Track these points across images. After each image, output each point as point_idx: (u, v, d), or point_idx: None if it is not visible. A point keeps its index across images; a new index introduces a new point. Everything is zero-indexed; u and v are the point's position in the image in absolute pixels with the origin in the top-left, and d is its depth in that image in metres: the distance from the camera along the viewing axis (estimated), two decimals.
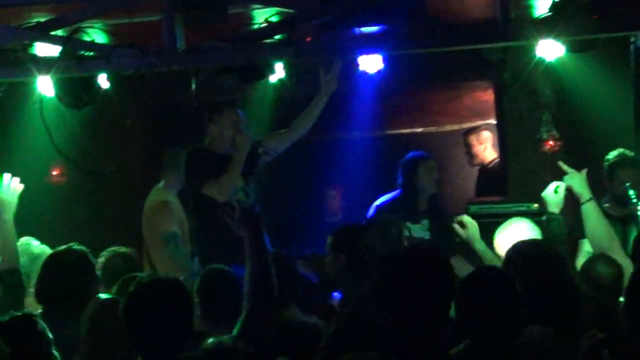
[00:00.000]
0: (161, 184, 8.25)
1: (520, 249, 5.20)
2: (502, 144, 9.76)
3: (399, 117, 10.89)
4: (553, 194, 6.88)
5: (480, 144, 9.95)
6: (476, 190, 9.96)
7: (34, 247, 6.78)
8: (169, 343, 4.24)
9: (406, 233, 8.02)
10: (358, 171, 10.07)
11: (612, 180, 7.26)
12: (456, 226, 7.09)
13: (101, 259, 6.42)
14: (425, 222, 8.27)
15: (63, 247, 5.89)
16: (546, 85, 9.10)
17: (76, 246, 5.86)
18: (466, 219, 7.12)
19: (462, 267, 7.06)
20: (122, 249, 6.63)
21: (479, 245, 6.90)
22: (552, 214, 6.82)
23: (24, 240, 6.77)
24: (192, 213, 7.70)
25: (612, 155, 7.34)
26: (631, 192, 7.04)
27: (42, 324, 4.67)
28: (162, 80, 7.79)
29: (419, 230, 8.25)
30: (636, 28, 6.21)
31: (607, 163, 7.34)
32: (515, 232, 6.82)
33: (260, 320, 4.79)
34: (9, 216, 6.44)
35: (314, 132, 8.35)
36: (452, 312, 4.27)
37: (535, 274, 4.89)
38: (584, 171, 6.91)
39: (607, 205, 7.25)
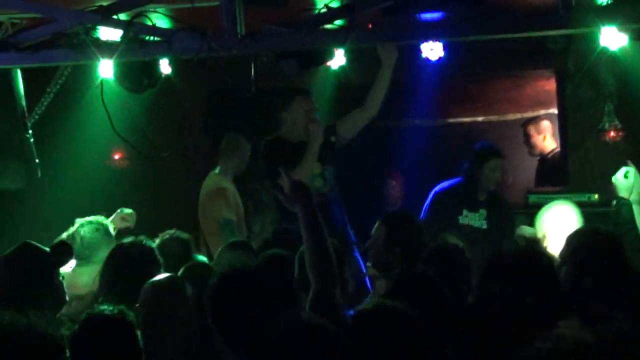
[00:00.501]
0: (217, 169, 8.31)
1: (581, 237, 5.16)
2: (563, 134, 9.66)
3: (461, 105, 10.82)
4: (623, 178, 6.79)
5: (539, 134, 9.87)
6: (536, 180, 9.89)
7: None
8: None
9: (463, 220, 8.04)
10: (419, 159, 10.03)
11: None
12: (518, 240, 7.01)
13: (157, 241, 6.46)
14: (483, 211, 8.25)
15: (130, 239, 5.93)
16: (609, 75, 8.98)
17: (144, 240, 5.89)
18: (528, 231, 7.09)
19: None
20: (179, 233, 6.66)
21: None
22: (622, 198, 6.73)
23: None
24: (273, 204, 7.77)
25: None
26: None
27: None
28: (222, 65, 7.82)
29: (476, 219, 8.23)
30: None
31: None
32: (559, 214, 6.79)
33: (325, 300, 4.76)
34: None
35: (375, 119, 8.35)
36: None
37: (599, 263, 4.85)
38: None
39: None
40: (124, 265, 5.65)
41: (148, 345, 4.44)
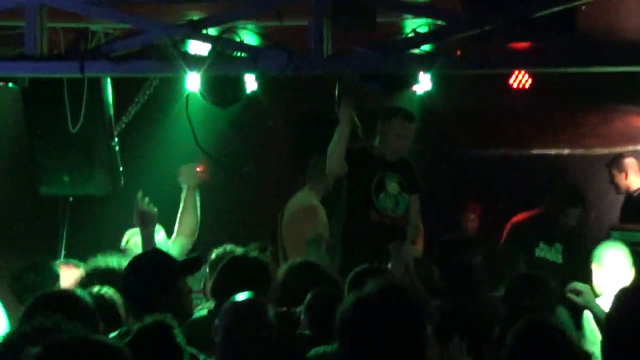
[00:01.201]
0: (306, 188, 8.35)
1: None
2: None
3: (547, 136, 10.69)
4: None
5: (621, 172, 9.68)
6: (621, 217, 9.69)
7: None
8: None
9: (539, 253, 7.95)
10: (500, 190, 9.92)
11: None
12: (571, 295, 6.78)
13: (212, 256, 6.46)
14: (559, 246, 8.17)
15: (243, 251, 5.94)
16: None
17: (259, 255, 5.87)
18: (580, 285, 6.78)
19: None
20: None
21: (598, 309, 6.54)
22: None
23: None
24: None
25: None
26: None
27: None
28: (308, 85, 7.84)
29: (552, 253, 8.14)
30: None
31: None
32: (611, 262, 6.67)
33: None
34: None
35: (459, 147, 8.30)
36: None
37: None
38: None
39: None
40: (238, 278, 5.57)
41: None
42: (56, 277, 6.36)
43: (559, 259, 8.16)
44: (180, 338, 4.33)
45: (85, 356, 3.15)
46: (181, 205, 7.18)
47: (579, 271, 7.80)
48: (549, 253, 8.15)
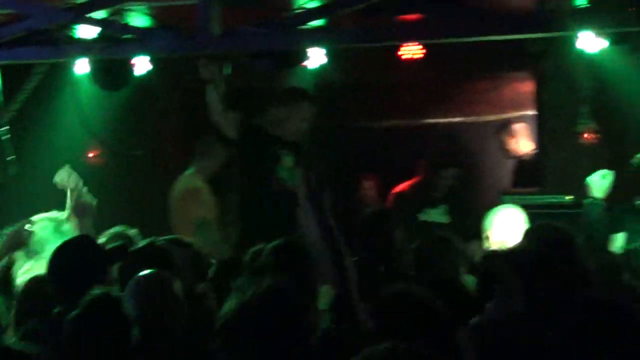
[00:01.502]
0: (191, 170, 8.30)
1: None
2: (539, 136, 9.68)
3: (438, 106, 10.82)
4: (600, 179, 6.79)
5: (510, 137, 9.86)
6: (512, 181, 9.89)
7: None
8: None
9: (424, 217, 8.10)
10: (395, 159, 10.02)
11: None
12: None
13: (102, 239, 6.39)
14: (444, 207, 8.30)
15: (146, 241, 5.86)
16: (585, 78, 9.01)
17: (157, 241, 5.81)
18: None
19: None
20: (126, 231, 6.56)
21: None
22: (595, 198, 6.75)
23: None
24: None
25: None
26: None
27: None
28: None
29: (437, 215, 8.28)
30: None
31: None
32: (506, 217, 6.84)
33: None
34: None
35: (353, 120, 8.34)
36: None
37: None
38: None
39: None
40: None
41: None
42: None
43: (443, 219, 8.29)
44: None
45: None
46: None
47: (469, 229, 7.99)
48: (434, 215, 8.29)
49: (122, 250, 5.46)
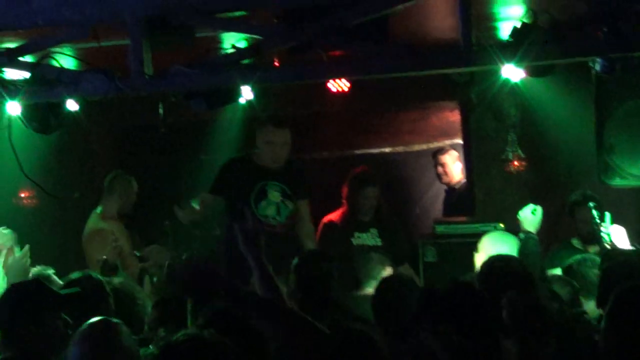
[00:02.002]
0: (99, 209, 8.27)
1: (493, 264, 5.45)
2: (468, 164, 9.85)
3: (367, 137, 10.95)
4: (530, 214, 7.05)
5: (443, 165, 10.02)
6: (444, 210, 10.04)
7: None
8: None
9: (357, 241, 8.21)
10: (326, 191, 10.11)
11: (575, 220, 7.87)
12: None
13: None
14: (374, 230, 8.42)
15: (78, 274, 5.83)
16: (511, 106, 9.21)
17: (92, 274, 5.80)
18: None
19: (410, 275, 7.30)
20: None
21: None
22: (529, 232, 6.98)
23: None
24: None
25: (573, 196, 7.89)
26: (594, 212, 7.33)
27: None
28: (130, 104, 7.82)
29: (369, 238, 8.38)
30: (594, 53, 6.29)
31: (569, 203, 7.74)
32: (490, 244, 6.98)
33: None
34: None
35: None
36: None
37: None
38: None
39: (576, 241, 7.84)
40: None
41: None
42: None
43: (378, 242, 8.40)
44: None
45: None
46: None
47: (400, 252, 8.12)
48: (367, 239, 8.40)
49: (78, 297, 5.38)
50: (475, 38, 6.35)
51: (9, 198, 9.24)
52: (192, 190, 8.37)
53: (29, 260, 6.60)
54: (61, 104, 6.87)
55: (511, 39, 6.28)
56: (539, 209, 7.10)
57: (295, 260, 6.20)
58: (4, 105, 6.79)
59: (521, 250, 6.83)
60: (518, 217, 7.11)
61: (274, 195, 7.94)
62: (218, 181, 8.02)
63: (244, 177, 7.94)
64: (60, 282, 6.12)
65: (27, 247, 6.66)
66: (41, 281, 5.29)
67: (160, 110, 7.01)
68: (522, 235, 6.98)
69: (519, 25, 6.27)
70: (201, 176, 9.28)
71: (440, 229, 8.56)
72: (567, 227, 8.15)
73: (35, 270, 6.51)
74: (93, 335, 4.41)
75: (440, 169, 9.96)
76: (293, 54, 6.72)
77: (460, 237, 8.30)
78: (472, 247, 7.08)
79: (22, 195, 9.46)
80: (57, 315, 4.88)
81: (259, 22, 6.67)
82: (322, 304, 5.90)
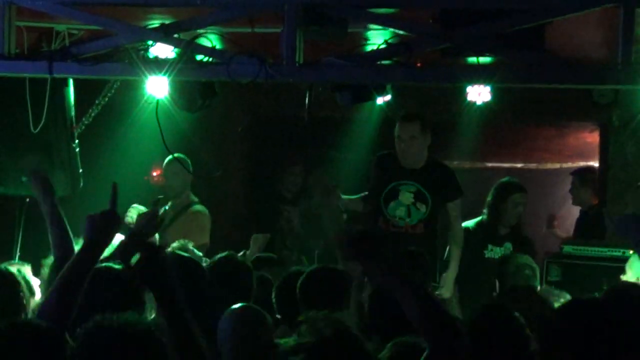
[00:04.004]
0: None
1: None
2: (603, 188, 9.65)
3: (501, 150, 10.83)
4: None
5: (583, 185, 9.81)
6: (575, 230, 9.85)
7: None
8: None
9: (489, 254, 8.08)
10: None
11: None
12: None
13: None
14: (508, 245, 8.29)
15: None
16: None
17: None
18: None
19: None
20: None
21: None
22: None
23: None
24: None
25: None
26: None
27: None
28: (273, 92, 7.85)
29: (502, 253, 8.24)
30: None
31: None
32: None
33: None
34: None
35: None
36: None
37: None
38: None
39: None
40: None
41: None
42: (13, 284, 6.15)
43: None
44: None
45: None
46: None
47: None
48: (499, 253, 8.28)
49: None
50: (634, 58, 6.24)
51: (142, 174, 9.39)
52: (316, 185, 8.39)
53: None
54: (210, 85, 6.91)
55: None
56: None
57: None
58: (145, 81, 6.83)
59: None
60: None
61: (406, 197, 7.85)
62: (370, 177, 8.04)
63: (382, 174, 7.91)
64: (199, 254, 6.22)
65: None
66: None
67: (307, 100, 6.97)
68: None
69: None
70: (329, 172, 9.31)
71: (567, 249, 8.42)
72: None
73: (175, 244, 6.58)
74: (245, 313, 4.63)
75: (575, 190, 9.75)
76: (445, 56, 6.67)
77: (587, 260, 8.15)
78: (598, 270, 6.94)
79: (154, 172, 9.60)
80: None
81: (415, 21, 6.64)
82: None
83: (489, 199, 8.38)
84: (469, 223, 8.43)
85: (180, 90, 6.88)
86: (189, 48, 6.59)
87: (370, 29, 7.04)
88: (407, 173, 7.86)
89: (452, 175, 8.04)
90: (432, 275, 7.37)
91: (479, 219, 8.43)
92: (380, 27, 6.78)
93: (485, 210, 8.37)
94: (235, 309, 4.74)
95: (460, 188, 8.00)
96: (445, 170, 8.06)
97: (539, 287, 6.89)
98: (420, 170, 7.88)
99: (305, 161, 9.04)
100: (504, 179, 8.51)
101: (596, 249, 8.32)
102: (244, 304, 4.83)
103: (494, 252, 8.29)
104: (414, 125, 7.80)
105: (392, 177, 7.87)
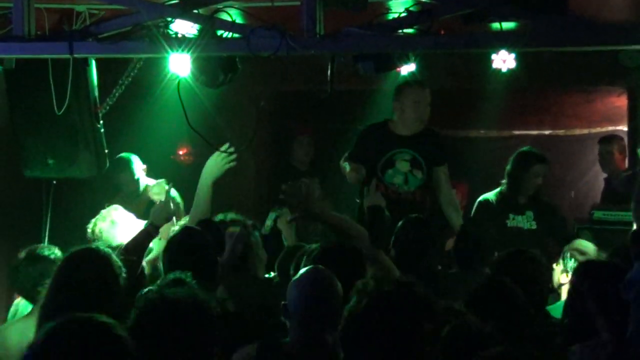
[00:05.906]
0: None
1: None
2: (632, 153, 9.54)
3: (528, 118, 10.74)
4: None
5: (612, 151, 9.70)
6: (602, 197, 9.76)
7: None
8: None
9: (511, 223, 8.03)
10: (483, 169, 9.97)
11: None
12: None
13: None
14: (530, 213, 8.25)
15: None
16: None
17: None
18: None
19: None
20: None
21: None
22: None
23: None
24: None
25: None
26: None
27: None
28: (294, 65, 7.78)
29: (524, 221, 8.20)
30: None
31: None
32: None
33: None
34: None
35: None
36: None
37: None
38: None
39: None
40: None
41: None
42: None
43: (533, 225, 8.22)
44: None
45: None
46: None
47: (558, 234, 7.92)
48: (522, 222, 8.24)
49: None
50: None
51: (167, 153, 9.38)
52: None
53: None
54: (231, 59, 6.87)
55: None
56: None
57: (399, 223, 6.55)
58: (167, 58, 6.80)
59: None
60: None
61: (403, 165, 7.99)
62: (355, 147, 8.11)
63: (377, 144, 8.01)
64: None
65: None
66: None
67: (329, 72, 6.91)
68: None
69: None
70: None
71: (598, 214, 8.38)
72: None
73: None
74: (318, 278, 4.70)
75: (604, 156, 9.66)
76: (467, 23, 6.59)
77: (617, 225, 8.08)
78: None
79: (180, 151, 9.60)
80: None
81: None
82: (414, 268, 5.95)
83: (508, 168, 8.33)
84: (489, 195, 8.39)
85: (202, 66, 6.83)
86: (210, 24, 6.54)
87: None
88: (401, 141, 7.99)
89: (442, 140, 8.29)
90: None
91: (498, 189, 8.38)
92: None
93: (504, 181, 8.30)
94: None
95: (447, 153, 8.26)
96: (437, 135, 8.23)
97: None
98: (414, 137, 8.03)
99: (313, 130, 8.96)
100: (524, 149, 8.46)
101: (626, 213, 8.24)
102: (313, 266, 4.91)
103: (516, 220, 8.24)
104: (428, 91, 8.01)
105: (388, 147, 8.00)
